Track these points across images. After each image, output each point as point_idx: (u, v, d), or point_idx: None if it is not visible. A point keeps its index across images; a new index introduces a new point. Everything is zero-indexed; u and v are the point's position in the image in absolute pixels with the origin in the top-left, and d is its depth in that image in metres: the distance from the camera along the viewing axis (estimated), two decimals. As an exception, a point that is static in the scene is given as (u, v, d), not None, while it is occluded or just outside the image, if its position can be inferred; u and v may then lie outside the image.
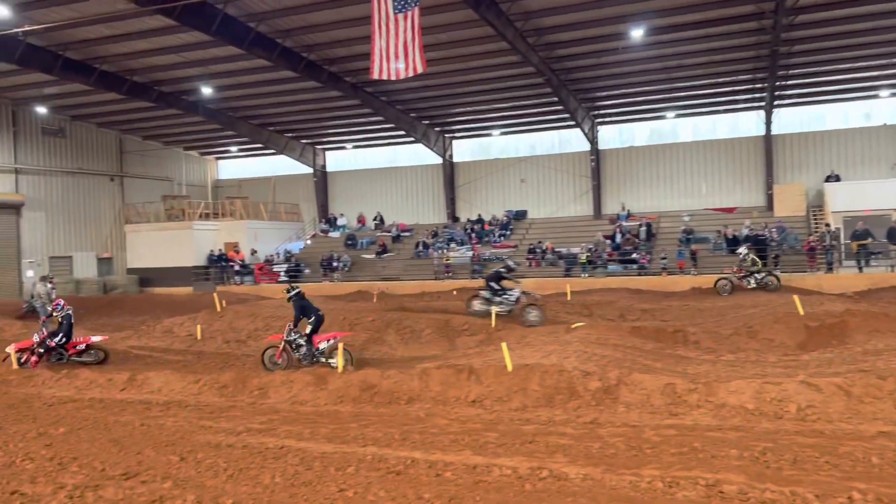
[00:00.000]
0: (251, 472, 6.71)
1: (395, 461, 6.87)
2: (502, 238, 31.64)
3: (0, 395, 11.01)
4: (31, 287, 26.87)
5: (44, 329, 13.90)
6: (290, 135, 35.95)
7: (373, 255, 32.28)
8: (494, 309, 16.22)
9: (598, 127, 32.40)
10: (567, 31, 22.99)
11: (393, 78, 17.00)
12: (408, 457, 6.98)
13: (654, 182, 32.01)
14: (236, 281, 31.61)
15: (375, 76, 17.00)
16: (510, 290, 17.07)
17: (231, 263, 32.49)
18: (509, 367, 9.47)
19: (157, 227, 34.25)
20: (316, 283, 29.84)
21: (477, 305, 17.13)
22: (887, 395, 7.69)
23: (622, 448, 6.95)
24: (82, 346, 13.83)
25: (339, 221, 36.79)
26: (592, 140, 32.08)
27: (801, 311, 13.91)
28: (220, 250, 33.32)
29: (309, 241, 35.92)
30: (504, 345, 10.07)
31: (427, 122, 33.47)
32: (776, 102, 28.46)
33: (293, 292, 12.82)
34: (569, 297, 21.45)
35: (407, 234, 34.13)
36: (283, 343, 12.50)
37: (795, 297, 15.03)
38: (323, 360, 12.20)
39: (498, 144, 35.27)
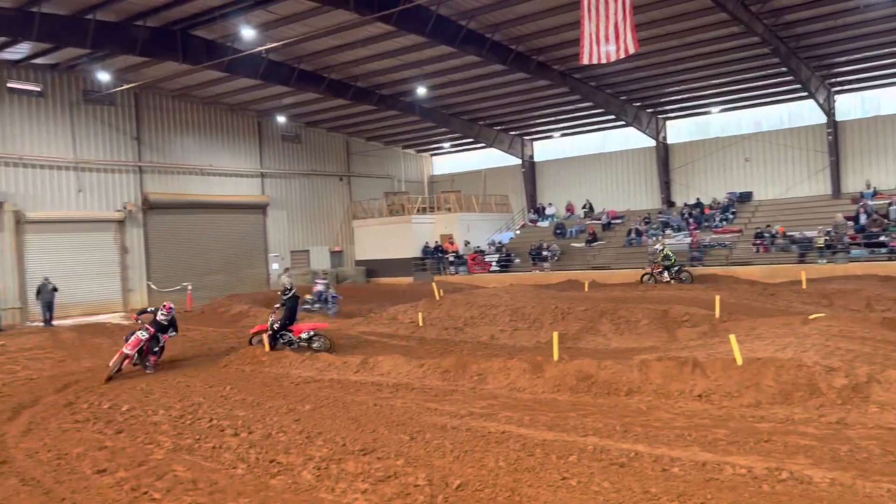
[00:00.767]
0: (475, 455, 6.95)
1: (617, 453, 6.73)
2: (724, 223, 29.59)
3: (255, 374, 12.49)
4: (277, 278, 30.26)
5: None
6: (498, 127, 36.64)
7: (582, 244, 31.88)
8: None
9: (836, 96, 28.99)
10: (797, -7, 20.89)
11: (603, 61, 16.63)
12: (631, 449, 6.81)
13: (907, 155, 28.02)
14: (451, 271, 32.97)
15: (585, 61, 16.74)
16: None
17: (446, 254, 33.98)
18: (739, 361, 8.84)
19: (380, 221, 36.93)
20: (525, 273, 30.16)
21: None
22: None
23: (876, 452, 6.21)
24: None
25: (548, 211, 36.81)
26: (829, 111, 28.79)
27: None
28: (436, 242, 35.04)
29: (518, 232, 36.38)
30: (732, 337, 9.43)
31: (638, 104, 32.27)
32: None
33: (290, 293, 14.68)
34: (804, 286, 19.54)
35: (618, 221, 33.24)
36: (269, 332, 14.22)
37: None
38: (305, 345, 14.28)
39: (717, 123, 33.01)
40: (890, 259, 23.08)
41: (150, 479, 6.88)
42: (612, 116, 32.65)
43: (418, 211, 36.74)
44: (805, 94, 28.19)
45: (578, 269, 29.01)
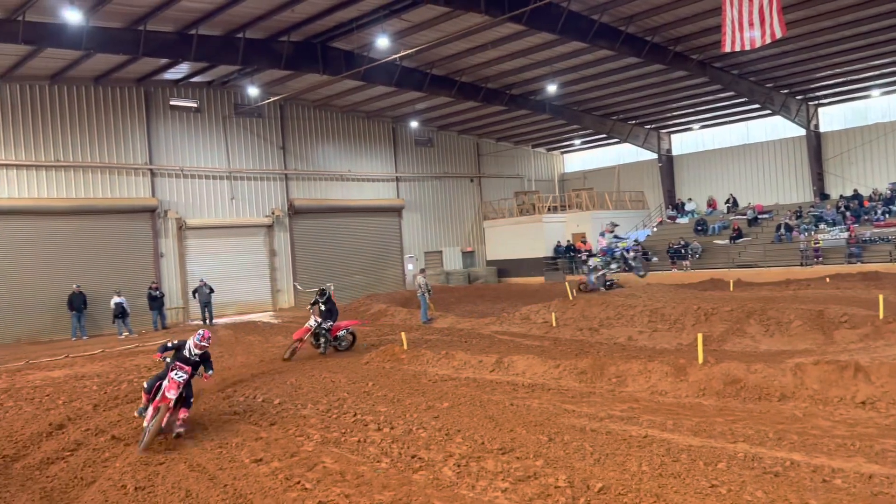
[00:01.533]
0: (617, 459, 6.80)
1: (771, 461, 6.36)
2: (887, 216, 27.07)
3: (395, 371, 12.87)
4: (412, 279, 31.04)
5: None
6: (633, 122, 35.60)
7: (726, 241, 30.30)
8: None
9: None
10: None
11: (747, 48, 15.71)
12: (786, 458, 6.41)
13: None
14: (584, 271, 32.31)
15: (727, 49, 15.89)
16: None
17: (578, 253, 33.37)
18: (910, 367, 8.08)
19: (510, 221, 36.95)
20: (664, 272, 29.09)
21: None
22: None
23: None
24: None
25: (688, 206, 35.32)
26: None
27: None
28: (567, 241, 34.53)
29: (655, 228, 35.15)
30: (901, 340, 8.63)
31: (786, 91, 30.22)
32: None
33: (327, 295, 15.08)
34: None
35: (765, 216, 31.27)
36: (309, 335, 14.76)
37: None
38: (335, 344, 15.07)
39: (878, 107, 30.29)
40: None
41: (301, 470, 7.29)
42: (757, 105, 30.84)
43: (549, 210, 36.44)
44: (985, 69, 25.30)
45: (722, 268, 27.64)
